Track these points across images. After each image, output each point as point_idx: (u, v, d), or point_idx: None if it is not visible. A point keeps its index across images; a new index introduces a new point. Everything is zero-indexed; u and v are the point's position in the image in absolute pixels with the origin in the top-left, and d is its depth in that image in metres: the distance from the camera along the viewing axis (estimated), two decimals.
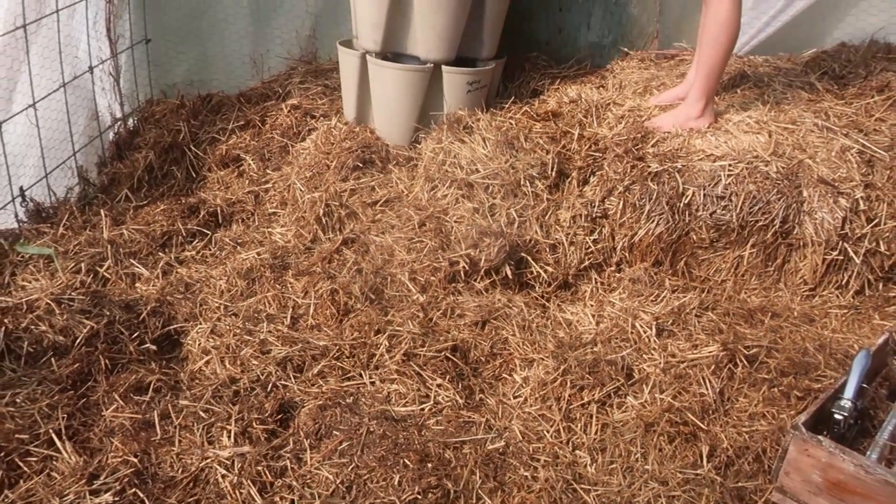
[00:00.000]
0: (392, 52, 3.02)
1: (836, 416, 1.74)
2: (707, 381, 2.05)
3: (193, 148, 3.16)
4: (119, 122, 3.34)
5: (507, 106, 3.06)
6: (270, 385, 2.09)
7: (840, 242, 2.39)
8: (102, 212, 2.79)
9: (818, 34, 3.49)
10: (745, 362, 2.10)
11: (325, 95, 3.38)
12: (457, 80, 2.96)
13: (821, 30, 3.48)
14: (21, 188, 2.82)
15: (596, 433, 1.98)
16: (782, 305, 2.40)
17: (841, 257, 2.41)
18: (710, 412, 1.98)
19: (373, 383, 2.11)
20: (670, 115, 2.71)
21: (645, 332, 2.23)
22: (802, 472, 1.67)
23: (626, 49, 3.37)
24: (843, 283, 2.44)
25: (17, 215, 2.80)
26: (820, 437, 1.65)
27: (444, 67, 2.95)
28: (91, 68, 3.16)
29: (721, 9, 2.53)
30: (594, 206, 2.58)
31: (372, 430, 1.94)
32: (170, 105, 3.40)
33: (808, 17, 3.45)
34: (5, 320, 2.12)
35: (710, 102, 2.66)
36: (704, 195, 2.44)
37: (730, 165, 2.45)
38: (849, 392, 1.77)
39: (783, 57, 3.30)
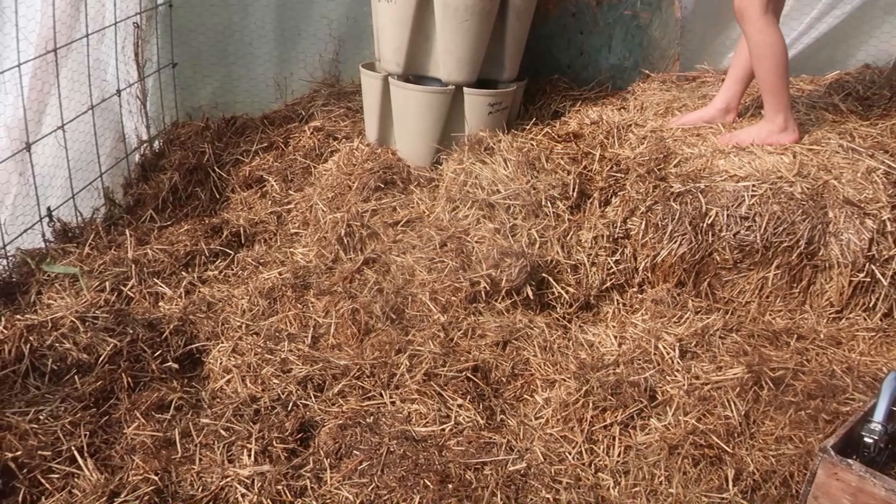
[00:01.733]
0: (414, 74, 3.05)
1: (866, 439, 1.70)
2: (732, 403, 2.02)
3: (217, 169, 3.20)
4: (145, 144, 3.39)
5: (528, 127, 3.07)
6: (291, 404, 2.08)
7: (867, 264, 2.35)
8: (127, 232, 2.83)
9: (841, 56, 3.48)
10: (771, 385, 2.06)
11: (347, 118, 3.41)
12: (478, 101, 2.97)
13: (844, 52, 3.47)
14: (48, 208, 2.86)
15: (619, 455, 1.95)
16: (808, 327, 2.36)
17: (868, 279, 2.37)
18: (736, 435, 1.95)
19: (393, 403, 2.10)
20: (753, 130, 2.68)
21: (668, 354, 2.21)
22: (832, 497, 1.63)
23: (647, 71, 3.37)
24: (871, 305, 2.40)
25: (44, 235, 2.84)
26: (850, 460, 1.62)
27: (465, 89, 2.97)
28: (119, 91, 3.22)
29: (751, 34, 2.56)
30: (616, 227, 2.57)
31: (392, 450, 1.93)
32: (195, 127, 3.45)
33: (832, 40, 3.44)
34: (31, 338, 2.15)
35: (790, 116, 2.63)
36: (728, 216, 2.43)
37: (753, 186, 2.43)
38: (878, 415, 1.74)
39: (806, 79, 3.28)
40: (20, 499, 1.76)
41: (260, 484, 1.83)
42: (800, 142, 2.63)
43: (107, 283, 2.54)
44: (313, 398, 2.11)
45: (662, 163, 2.62)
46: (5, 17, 2.71)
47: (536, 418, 2.07)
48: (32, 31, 2.77)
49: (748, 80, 2.81)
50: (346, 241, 2.74)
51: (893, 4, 3.37)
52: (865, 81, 3.11)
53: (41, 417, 1.97)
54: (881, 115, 2.82)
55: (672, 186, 2.52)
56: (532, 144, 2.91)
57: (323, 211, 2.85)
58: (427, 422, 2.04)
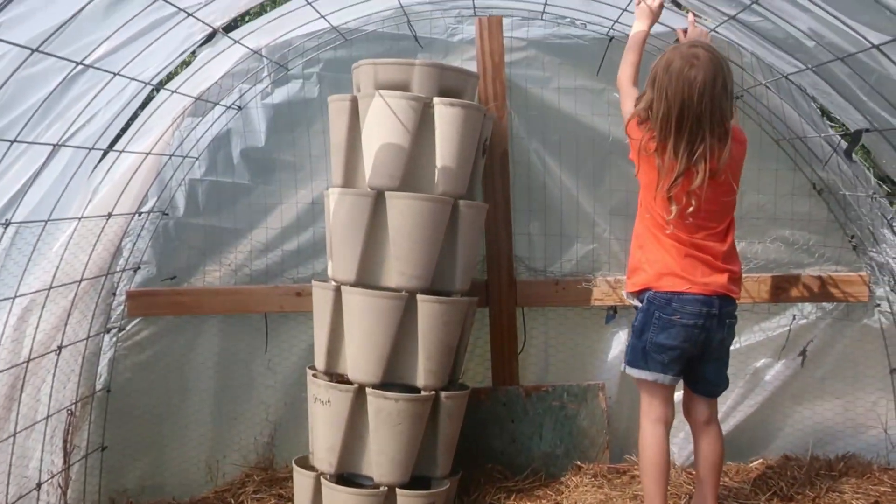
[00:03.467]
0: (347, 472, 3.04)
1: None
2: None
3: None
4: None
5: None
6: None
7: None
8: None
9: (762, 440, 3.64)
10: None
11: None
12: (412, 502, 2.94)
13: (763, 437, 3.64)
14: None
15: None
16: None
17: None
18: None
19: None
20: None
21: None
22: None
23: (578, 462, 3.43)
24: None
25: None
26: None
27: (398, 490, 2.95)
28: (39, 485, 3.10)
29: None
30: None
31: None
32: None
33: (750, 425, 3.62)
34: None
35: None
36: None
37: None
38: None
39: (732, 468, 3.37)
40: None
41: None
42: None
43: None
44: None
45: None
46: None
47: None
48: None
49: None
50: None
51: (800, 393, 3.62)
52: (787, 477, 3.21)
53: None
54: None
55: None
56: None
57: None
58: None
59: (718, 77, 2.38)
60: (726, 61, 2.46)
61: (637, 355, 2.68)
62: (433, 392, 3.02)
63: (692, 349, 2.62)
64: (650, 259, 2.64)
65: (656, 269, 2.61)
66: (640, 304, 2.69)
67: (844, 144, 2.92)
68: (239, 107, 3.47)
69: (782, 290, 3.46)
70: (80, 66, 2.09)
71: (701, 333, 2.59)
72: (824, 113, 3.16)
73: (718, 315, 2.58)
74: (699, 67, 2.38)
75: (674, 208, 2.49)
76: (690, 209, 2.47)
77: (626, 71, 2.80)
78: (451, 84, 3.06)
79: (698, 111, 2.39)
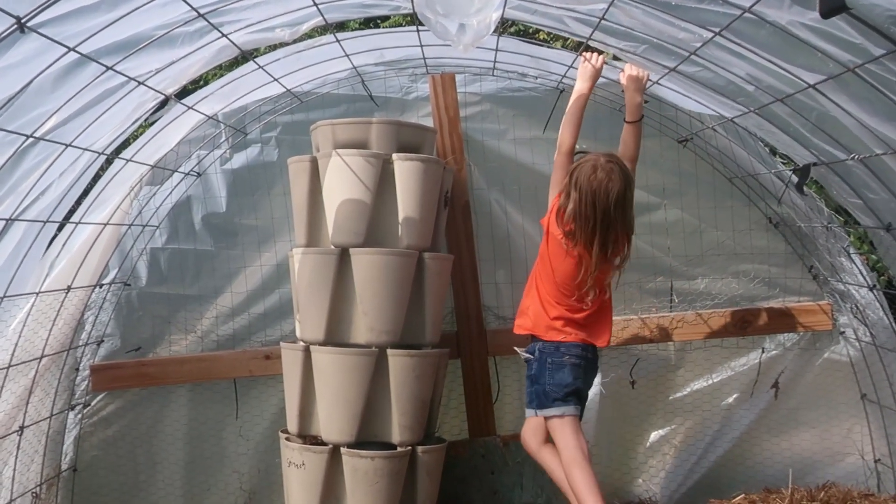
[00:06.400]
0: None
1: None
2: None
3: None
4: None
5: None
6: None
7: None
8: None
9: (741, 474, 3.63)
10: None
11: None
12: None
13: (743, 472, 3.63)
14: None
15: None
16: None
17: None
18: None
19: None
20: None
21: None
22: None
23: None
24: None
25: None
26: None
27: None
28: None
29: None
30: None
31: None
32: None
33: (729, 461, 3.61)
34: None
35: None
36: None
37: None
38: None
39: None
40: None
41: None
42: None
43: None
44: None
45: None
46: None
47: None
48: None
49: None
50: None
51: (776, 426, 3.62)
52: None
53: None
54: None
55: None
56: None
57: None
58: None
59: (629, 188, 2.63)
60: (630, 173, 2.67)
61: None
62: (409, 447, 2.97)
63: None
64: None
65: None
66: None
67: (795, 179, 3.00)
68: (198, 173, 3.47)
69: (747, 324, 3.50)
70: (30, 139, 2.07)
71: None
72: (773, 151, 3.25)
73: None
74: (615, 180, 2.59)
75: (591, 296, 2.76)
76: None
77: (566, 141, 2.86)
78: (408, 140, 3.09)
79: (613, 217, 2.61)
